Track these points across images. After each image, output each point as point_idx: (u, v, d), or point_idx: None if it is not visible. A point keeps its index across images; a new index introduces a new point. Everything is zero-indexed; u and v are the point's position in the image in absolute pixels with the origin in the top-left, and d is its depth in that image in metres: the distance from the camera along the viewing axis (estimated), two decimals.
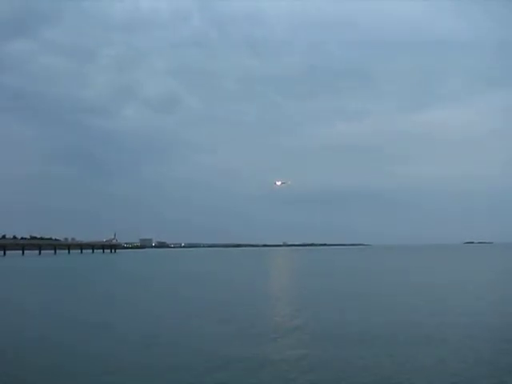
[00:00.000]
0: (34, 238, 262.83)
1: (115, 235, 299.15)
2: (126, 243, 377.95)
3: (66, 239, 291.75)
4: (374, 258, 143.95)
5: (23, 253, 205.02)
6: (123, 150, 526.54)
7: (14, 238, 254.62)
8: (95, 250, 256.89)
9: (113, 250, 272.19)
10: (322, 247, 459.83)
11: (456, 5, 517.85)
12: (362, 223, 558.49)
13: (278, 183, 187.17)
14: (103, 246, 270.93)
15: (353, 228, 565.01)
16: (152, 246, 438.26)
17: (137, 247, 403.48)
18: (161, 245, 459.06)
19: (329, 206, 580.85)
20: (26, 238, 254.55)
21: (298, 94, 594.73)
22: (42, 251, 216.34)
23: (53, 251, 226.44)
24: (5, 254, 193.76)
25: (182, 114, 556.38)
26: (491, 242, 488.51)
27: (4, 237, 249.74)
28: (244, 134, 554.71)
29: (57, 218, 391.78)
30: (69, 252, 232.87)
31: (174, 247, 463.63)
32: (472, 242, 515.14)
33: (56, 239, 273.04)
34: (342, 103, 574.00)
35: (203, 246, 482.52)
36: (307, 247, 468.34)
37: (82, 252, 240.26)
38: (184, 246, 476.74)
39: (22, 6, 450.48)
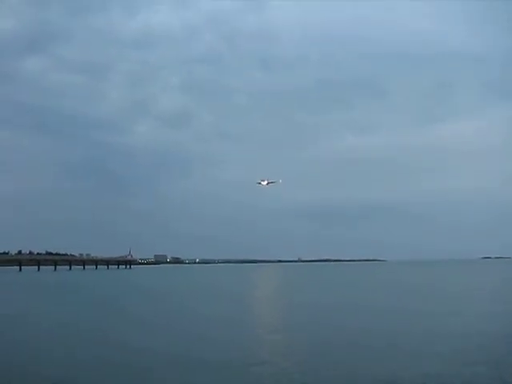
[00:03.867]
0: (50, 253, 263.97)
1: (130, 251, 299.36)
2: (141, 259, 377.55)
3: (81, 255, 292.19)
4: (388, 277, 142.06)
5: (39, 268, 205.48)
6: (138, 165, 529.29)
7: (30, 253, 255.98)
8: (110, 266, 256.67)
9: (128, 266, 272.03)
10: (336, 263, 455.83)
11: (468, 18, 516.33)
12: (376, 238, 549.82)
13: (264, 183, 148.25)
14: (118, 262, 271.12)
15: (367, 243, 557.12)
16: (167, 262, 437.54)
17: (152, 263, 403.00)
18: (175, 261, 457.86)
19: (342, 220, 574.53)
20: (41, 254, 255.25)
21: (310, 107, 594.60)
22: (58, 267, 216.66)
23: (68, 267, 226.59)
24: (21, 269, 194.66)
25: (195, 128, 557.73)
26: (509, 257, 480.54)
27: (20, 252, 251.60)
28: (256, 147, 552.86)
29: (72, 233, 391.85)
30: (84, 268, 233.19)
31: (188, 263, 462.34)
32: (489, 257, 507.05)
33: (71, 255, 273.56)
34: (354, 116, 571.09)
35: (218, 262, 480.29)
36: (322, 263, 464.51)
37: (96, 268, 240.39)
38: (198, 262, 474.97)
39: (35, 23, 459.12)
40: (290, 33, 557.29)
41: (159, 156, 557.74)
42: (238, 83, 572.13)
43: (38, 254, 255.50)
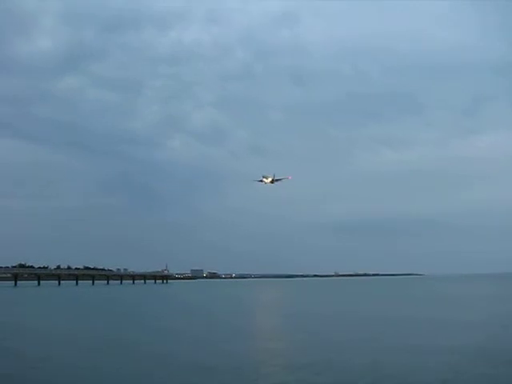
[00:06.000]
0: (88, 268, 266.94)
1: (167, 266, 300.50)
2: (178, 274, 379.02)
3: (119, 270, 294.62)
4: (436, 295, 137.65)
5: (77, 283, 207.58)
6: (172, 181, 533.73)
7: (69, 268, 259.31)
8: (147, 281, 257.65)
9: (164, 281, 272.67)
10: (374, 277, 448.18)
11: (506, 29, 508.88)
12: (413, 252, 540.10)
13: (267, 180, 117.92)
14: (155, 277, 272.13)
15: (404, 257, 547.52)
16: (203, 277, 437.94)
17: (188, 278, 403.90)
18: (212, 275, 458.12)
19: (379, 234, 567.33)
20: (79, 269, 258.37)
21: (344, 121, 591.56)
22: (95, 281, 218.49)
23: (105, 281, 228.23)
24: (59, 283, 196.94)
25: (229, 144, 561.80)
26: None
27: (59, 267, 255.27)
28: (291, 162, 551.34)
29: (109, 248, 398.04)
30: (121, 282, 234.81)
31: (224, 278, 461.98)
32: None
33: (109, 270, 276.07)
34: (390, 130, 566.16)
35: (254, 277, 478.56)
36: (359, 277, 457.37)
37: (134, 282, 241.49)
38: (235, 277, 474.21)
39: (71, 43, 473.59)
40: (322, 47, 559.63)
41: (194, 171, 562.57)
42: (271, 99, 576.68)
43: (76, 268, 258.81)
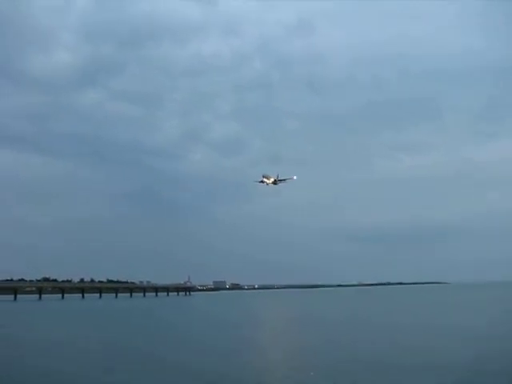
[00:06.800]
0: (111, 281, 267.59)
1: (189, 278, 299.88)
2: (200, 285, 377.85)
3: (142, 282, 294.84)
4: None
5: (100, 296, 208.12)
6: (193, 192, 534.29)
7: (92, 281, 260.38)
8: (170, 293, 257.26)
9: (187, 293, 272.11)
10: (397, 286, 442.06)
11: None
12: (438, 260, 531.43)
13: (269, 181, 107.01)
14: (178, 289, 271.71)
15: (429, 265, 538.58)
16: (226, 288, 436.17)
17: (211, 289, 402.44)
18: (234, 287, 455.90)
19: (402, 242, 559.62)
20: (102, 282, 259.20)
21: (361, 128, 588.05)
22: (119, 294, 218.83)
23: (129, 294, 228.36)
24: (83, 297, 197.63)
25: (248, 154, 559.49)
26: None
27: (82, 280, 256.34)
28: (310, 170, 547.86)
29: (132, 261, 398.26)
30: (144, 295, 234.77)
31: (247, 289, 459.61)
32: None
33: (131, 282, 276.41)
34: (406, 136, 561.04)
35: (277, 288, 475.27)
36: (382, 286, 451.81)
37: (157, 295, 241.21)
38: (258, 288, 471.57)
39: (90, 58, 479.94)
40: (338, 55, 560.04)
41: (214, 182, 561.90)
42: (289, 107, 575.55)
43: (99, 281, 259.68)
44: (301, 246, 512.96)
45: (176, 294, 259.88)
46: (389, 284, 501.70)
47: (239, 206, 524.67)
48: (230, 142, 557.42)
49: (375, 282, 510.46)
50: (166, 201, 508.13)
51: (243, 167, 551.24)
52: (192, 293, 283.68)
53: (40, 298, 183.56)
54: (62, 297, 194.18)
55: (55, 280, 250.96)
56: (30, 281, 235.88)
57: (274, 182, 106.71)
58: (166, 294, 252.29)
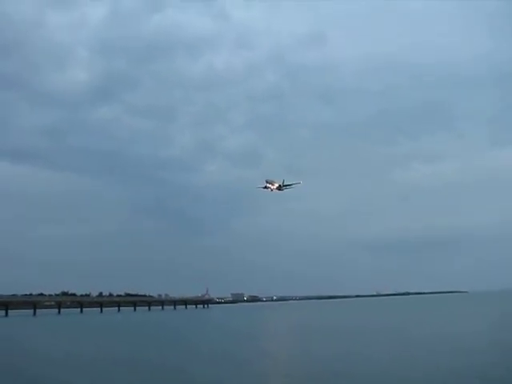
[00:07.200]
0: (129, 295, 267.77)
1: (207, 290, 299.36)
2: (218, 298, 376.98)
3: (160, 295, 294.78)
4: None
5: (119, 310, 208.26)
6: (209, 204, 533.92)
7: (110, 295, 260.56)
8: (188, 306, 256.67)
9: (205, 306, 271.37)
10: (416, 296, 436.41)
11: None
12: (454, 268, 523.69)
13: (273, 187, 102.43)
14: (196, 302, 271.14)
15: (446, 274, 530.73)
16: (244, 301, 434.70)
17: (229, 302, 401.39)
18: (252, 299, 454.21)
19: (418, 250, 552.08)
20: (121, 295, 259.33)
21: (374, 138, 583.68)
22: (137, 308, 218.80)
23: (147, 308, 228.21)
24: (101, 311, 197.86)
25: (263, 164, 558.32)
26: None
27: (101, 294, 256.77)
28: (324, 180, 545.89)
29: (149, 274, 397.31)
30: (162, 308, 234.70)
31: (265, 301, 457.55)
32: None
33: (150, 296, 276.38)
34: (420, 143, 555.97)
35: (295, 299, 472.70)
36: (401, 296, 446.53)
37: (175, 308, 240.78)
38: (276, 300, 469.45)
39: (105, 74, 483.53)
40: (350, 65, 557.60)
41: (230, 193, 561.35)
42: (302, 118, 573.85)
43: (117, 295, 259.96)
44: (318, 257, 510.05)
45: (194, 306, 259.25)
46: (407, 294, 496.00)
47: (256, 217, 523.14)
48: (244, 153, 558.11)
49: (394, 292, 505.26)
50: (182, 213, 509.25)
51: (259, 177, 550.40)
52: (210, 305, 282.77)
53: (59, 312, 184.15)
54: (81, 311, 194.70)
55: (74, 294, 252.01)
56: (49, 295, 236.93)
57: (279, 188, 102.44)
58: (184, 306, 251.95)
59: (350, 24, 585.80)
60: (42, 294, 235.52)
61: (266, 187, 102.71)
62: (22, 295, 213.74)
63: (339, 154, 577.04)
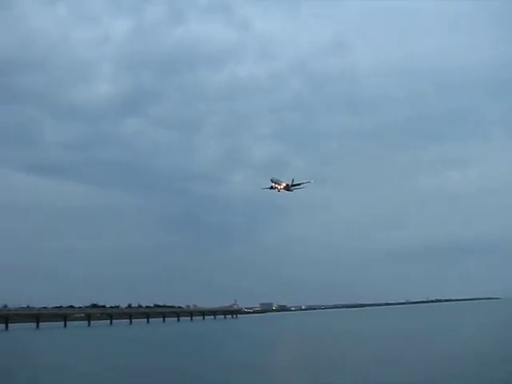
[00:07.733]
0: (158, 306, 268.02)
1: (236, 301, 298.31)
2: (247, 308, 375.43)
3: (188, 306, 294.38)
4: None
5: (148, 321, 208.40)
6: (237, 215, 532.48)
7: (139, 306, 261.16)
8: (217, 316, 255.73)
9: (234, 316, 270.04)
10: (447, 303, 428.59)
11: None
12: (486, 274, 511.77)
13: (280, 186, 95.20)
14: (224, 312, 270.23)
15: (477, 280, 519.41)
16: (272, 310, 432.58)
17: (257, 312, 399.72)
18: (281, 308, 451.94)
19: (450, 257, 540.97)
20: (150, 307, 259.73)
21: (402, 145, 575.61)
22: (166, 319, 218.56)
23: (176, 318, 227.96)
24: (131, 322, 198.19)
25: (288, 174, 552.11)
26: None
27: (130, 306, 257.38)
28: (352, 189, 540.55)
29: (177, 285, 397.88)
30: (191, 319, 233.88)
31: (294, 310, 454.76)
32: None
33: (178, 307, 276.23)
34: (449, 149, 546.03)
35: (324, 308, 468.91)
36: (431, 304, 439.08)
37: (204, 318, 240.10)
38: (304, 309, 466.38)
39: (129, 87, 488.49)
40: (374, 72, 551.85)
41: (257, 204, 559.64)
42: (326, 126, 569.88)
43: (146, 307, 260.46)
44: (346, 266, 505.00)
45: (223, 317, 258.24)
46: (437, 301, 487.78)
47: (283, 227, 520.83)
48: (271, 162, 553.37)
49: (423, 300, 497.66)
50: (209, 225, 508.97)
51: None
52: (239, 315, 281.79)
53: (89, 324, 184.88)
54: (111, 323, 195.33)
55: (103, 306, 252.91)
56: (79, 307, 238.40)
57: (287, 188, 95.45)
58: (213, 317, 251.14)
59: (372, 31, 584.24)
60: (72, 307, 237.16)
61: (272, 187, 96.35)
62: (53, 307, 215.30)
63: (364, 161, 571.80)
